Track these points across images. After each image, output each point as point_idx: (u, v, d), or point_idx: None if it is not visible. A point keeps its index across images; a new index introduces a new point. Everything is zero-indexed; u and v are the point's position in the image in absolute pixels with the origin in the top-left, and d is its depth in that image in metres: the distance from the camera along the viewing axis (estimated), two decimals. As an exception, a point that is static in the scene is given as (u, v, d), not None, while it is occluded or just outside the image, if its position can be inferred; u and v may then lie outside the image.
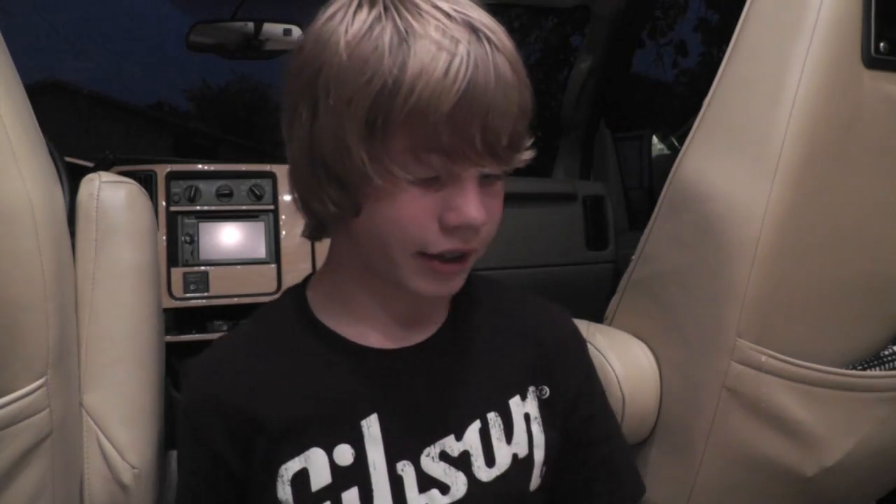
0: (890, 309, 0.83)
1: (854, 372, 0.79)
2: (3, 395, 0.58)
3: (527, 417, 0.59)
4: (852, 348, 0.82)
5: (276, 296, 1.32)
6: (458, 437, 0.56)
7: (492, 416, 0.58)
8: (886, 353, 0.82)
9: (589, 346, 0.84)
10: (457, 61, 0.44)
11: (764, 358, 0.74)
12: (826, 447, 0.77)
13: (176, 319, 1.31)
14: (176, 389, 1.25)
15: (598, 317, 0.96)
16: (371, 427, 0.54)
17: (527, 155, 0.52)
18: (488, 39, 0.46)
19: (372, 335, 0.57)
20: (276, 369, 0.56)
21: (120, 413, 0.71)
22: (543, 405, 0.61)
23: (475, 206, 0.48)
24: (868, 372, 0.80)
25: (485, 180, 0.50)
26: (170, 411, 0.82)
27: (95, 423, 0.70)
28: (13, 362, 0.59)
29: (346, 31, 0.46)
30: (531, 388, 0.60)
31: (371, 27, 0.46)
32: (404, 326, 0.58)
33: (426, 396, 0.56)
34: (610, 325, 0.93)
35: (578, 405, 0.63)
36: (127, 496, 0.71)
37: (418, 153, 0.46)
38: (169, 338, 1.14)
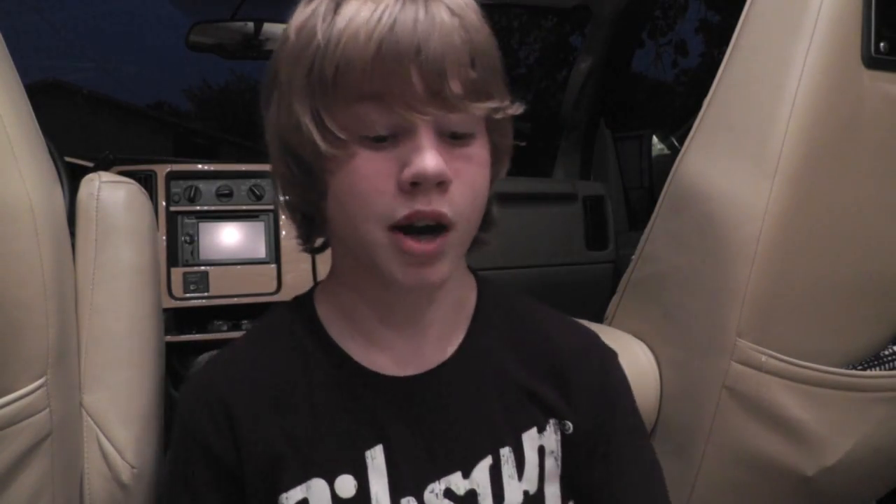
0: (890, 309, 0.83)
1: (854, 372, 0.79)
2: (3, 395, 0.58)
3: (541, 451, 0.55)
4: (852, 348, 0.82)
5: (276, 296, 1.34)
6: (466, 475, 0.53)
7: (505, 452, 0.54)
8: (886, 353, 0.82)
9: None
10: (381, 7, 0.44)
11: (764, 358, 0.74)
12: (826, 447, 0.77)
13: (176, 319, 1.31)
14: (176, 389, 1.25)
15: (598, 317, 0.96)
16: (376, 458, 0.52)
17: (492, 104, 0.48)
18: None
19: (382, 358, 0.54)
20: (283, 386, 0.53)
21: (120, 413, 0.71)
22: (566, 440, 0.56)
23: (430, 156, 0.45)
24: (868, 372, 0.80)
25: (453, 142, 0.47)
26: (170, 411, 0.82)
27: (95, 423, 0.70)
28: (13, 362, 0.59)
29: (297, 17, 0.49)
30: (552, 421, 0.56)
31: (314, 8, 0.48)
32: (416, 347, 0.55)
33: (436, 429, 0.53)
34: (610, 325, 0.93)
35: (607, 430, 0.57)
36: (127, 496, 0.71)
37: (356, 108, 0.45)
38: (169, 338, 1.14)
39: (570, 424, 0.56)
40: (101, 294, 0.72)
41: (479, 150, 0.50)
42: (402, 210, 0.46)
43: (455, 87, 0.46)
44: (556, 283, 1.71)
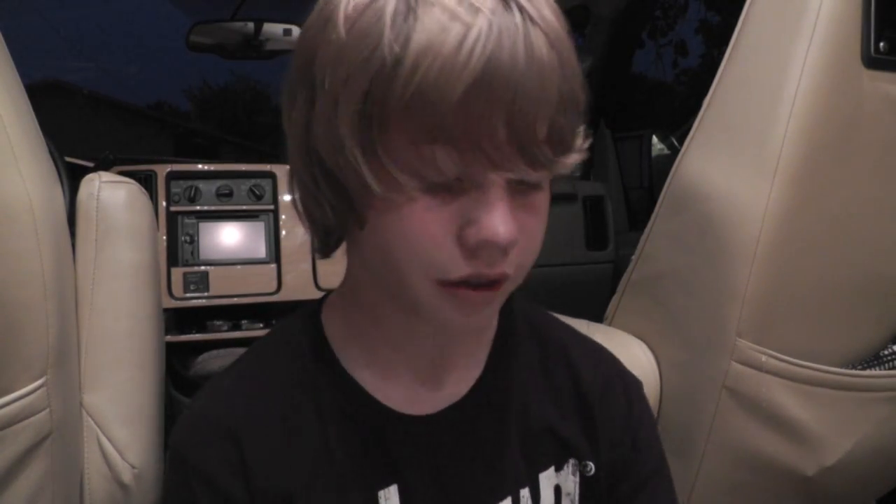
0: (890, 309, 0.83)
1: (854, 372, 0.79)
2: (3, 395, 0.58)
3: (557, 491, 0.52)
4: (852, 348, 0.82)
5: (276, 296, 1.34)
6: None
7: (525, 494, 0.51)
8: (886, 353, 0.82)
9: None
10: (474, 33, 0.35)
11: (764, 358, 0.74)
12: (826, 447, 0.77)
13: (176, 319, 1.31)
14: (176, 389, 1.25)
15: (598, 317, 0.95)
16: (390, 500, 0.48)
17: (574, 157, 0.41)
18: (521, 8, 0.37)
19: (398, 391, 0.49)
20: (293, 419, 0.48)
21: (120, 413, 0.71)
22: (585, 482, 0.53)
23: (501, 220, 0.38)
24: (868, 372, 0.80)
25: (519, 190, 0.40)
26: (170, 411, 0.82)
27: (95, 423, 0.70)
28: (13, 362, 0.59)
29: (348, 4, 0.38)
30: (571, 461, 0.53)
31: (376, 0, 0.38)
32: (433, 377, 0.50)
33: (453, 469, 0.49)
34: (610, 325, 0.93)
35: (622, 477, 0.54)
36: (127, 496, 0.71)
37: (423, 150, 0.37)
38: (169, 338, 1.14)
39: (591, 466, 0.53)
40: (101, 294, 0.72)
41: (544, 199, 0.43)
42: (460, 270, 0.40)
43: (543, 138, 0.38)
44: (556, 283, 1.71)
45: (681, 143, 0.90)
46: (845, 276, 0.78)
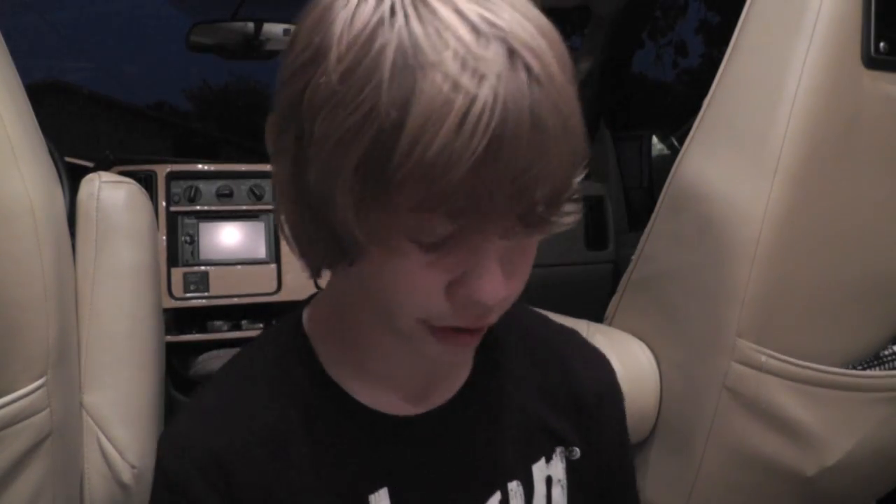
0: (890, 309, 0.83)
1: (854, 372, 0.79)
2: (3, 395, 0.58)
3: (548, 481, 0.53)
4: (852, 348, 0.82)
5: (276, 296, 1.33)
6: None
7: (513, 486, 0.51)
8: (886, 353, 0.82)
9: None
10: (478, 107, 0.32)
11: (764, 358, 0.74)
12: (826, 447, 0.77)
13: (176, 319, 1.31)
14: (176, 389, 1.25)
15: (598, 317, 0.95)
16: (380, 503, 0.48)
17: (570, 218, 0.40)
18: (527, 68, 0.34)
19: (387, 396, 0.49)
20: (279, 433, 0.48)
21: (120, 413, 0.71)
22: (571, 467, 0.54)
23: (495, 285, 0.38)
24: (868, 372, 0.80)
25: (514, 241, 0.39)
26: (170, 411, 0.82)
27: (95, 423, 0.70)
28: (13, 362, 0.59)
29: (342, 37, 0.35)
30: (559, 449, 0.54)
31: (371, 36, 0.34)
32: (423, 385, 0.50)
33: (442, 468, 0.50)
34: (610, 325, 0.93)
35: (612, 466, 0.57)
36: (127, 496, 0.71)
37: (422, 216, 0.35)
38: (169, 338, 1.14)
39: (577, 451, 0.54)
40: (101, 294, 0.72)
41: (536, 241, 0.42)
42: (448, 320, 0.40)
43: (542, 201, 0.36)
44: (556, 283, 1.71)
45: (681, 143, 0.90)
46: (845, 275, 0.78)
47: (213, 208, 1.36)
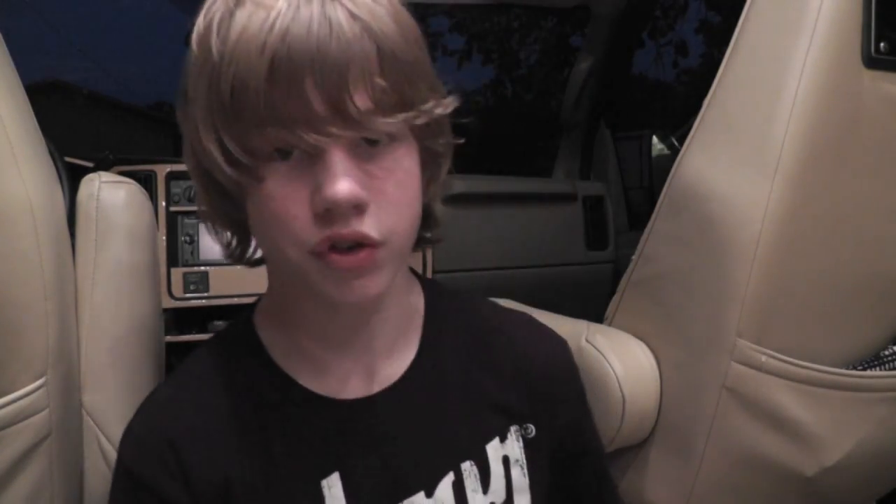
0: (890, 309, 0.83)
1: (854, 372, 0.79)
2: (3, 395, 0.58)
3: (506, 461, 0.54)
4: (852, 348, 0.82)
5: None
6: (429, 494, 0.51)
7: (466, 466, 0.52)
8: (886, 353, 0.82)
9: (589, 346, 0.84)
10: (273, 14, 0.40)
11: (764, 358, 0.74)
12: (826, 447, 0.77)
13: (176, 319, 1.31)
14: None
15: (598, 317, 0.95)
16: (333, 487, 0.49)
17: (408, 113, 0.43)
18: None
19: (332, 380, 0.51)
20: (231, 420, 0.50)
21: (120, 413, 0.71)
22: (528, 445, 0.55)
23: (341, 182, 0.41)
24: (868, 372, 0.80)
25: (368, 149, 0.43)
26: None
27: (95, 423, 0.70)
28: (13, 362, 0.59)
29: (200, 24, 0.44)
30: (513, 428, 0.55)
31: (212, 15, 0.43)
32: (366, 365, 0.52)
33: (393, 450, 0.51)
34: (610, 325, 0.93)
35: (566, 440, 0.58)
36: (127, 496, 0.71)
37: (258, 131, 0.41)
38: (169, 338, 1.14)
39: (532, 428, 0.55)
40: (101, 294, 0.72)
41: (403, 157, 0.45)
42: (318, 236, 0.43)
43: (361, 100, 0.41)
44: (556, 284, 1.71)
45: (681, 143, 0.90)
46: (846, 276, 0.78)
47: None
